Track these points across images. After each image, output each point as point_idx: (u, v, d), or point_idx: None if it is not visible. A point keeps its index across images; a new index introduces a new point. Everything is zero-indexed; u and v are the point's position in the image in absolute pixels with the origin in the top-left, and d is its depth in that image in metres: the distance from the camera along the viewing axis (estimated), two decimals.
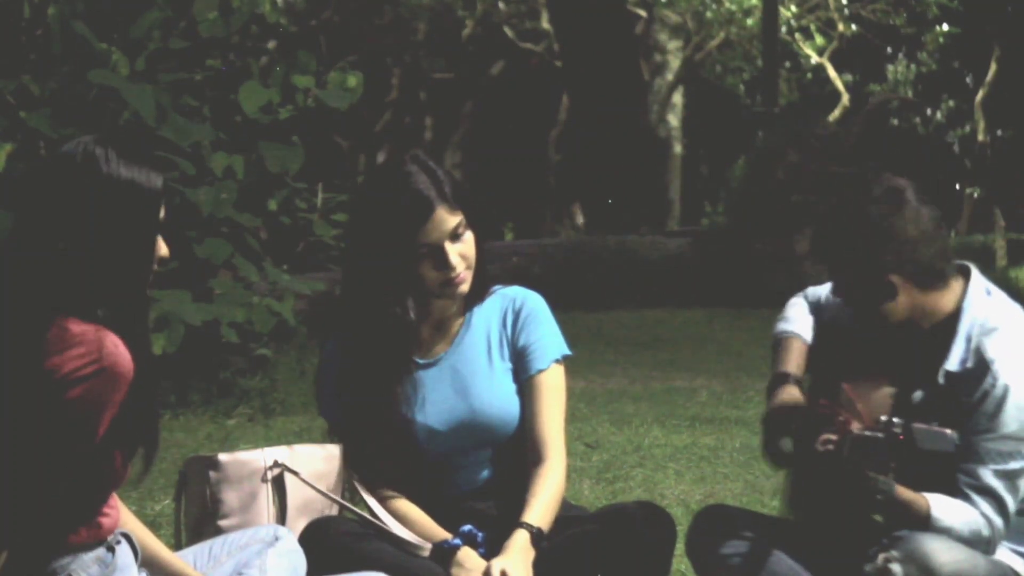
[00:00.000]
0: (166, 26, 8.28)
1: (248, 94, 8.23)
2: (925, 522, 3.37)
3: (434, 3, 22.71)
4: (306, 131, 8.62)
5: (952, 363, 3.46)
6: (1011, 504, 3.41)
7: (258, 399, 8.20)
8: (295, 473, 3.54)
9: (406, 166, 3.54)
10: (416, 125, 24.80)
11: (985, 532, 3.40)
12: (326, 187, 10.01)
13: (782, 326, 3.71)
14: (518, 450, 3.66)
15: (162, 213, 2.94)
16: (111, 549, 2.99)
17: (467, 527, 3.53)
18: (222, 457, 3.50)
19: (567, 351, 3.69)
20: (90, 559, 2.96)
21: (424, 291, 3.55)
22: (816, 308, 3.74)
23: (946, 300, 3.50)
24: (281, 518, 3.53)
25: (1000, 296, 3.55)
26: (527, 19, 22.74)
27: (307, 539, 3.37)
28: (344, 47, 21.88)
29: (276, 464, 3.53)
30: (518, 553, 3.46)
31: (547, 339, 3.66)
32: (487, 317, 3.68)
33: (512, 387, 3.65)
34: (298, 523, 3.51)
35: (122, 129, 7.92)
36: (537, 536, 3.50)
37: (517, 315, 3.68)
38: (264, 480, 3.51)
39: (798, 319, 3.71)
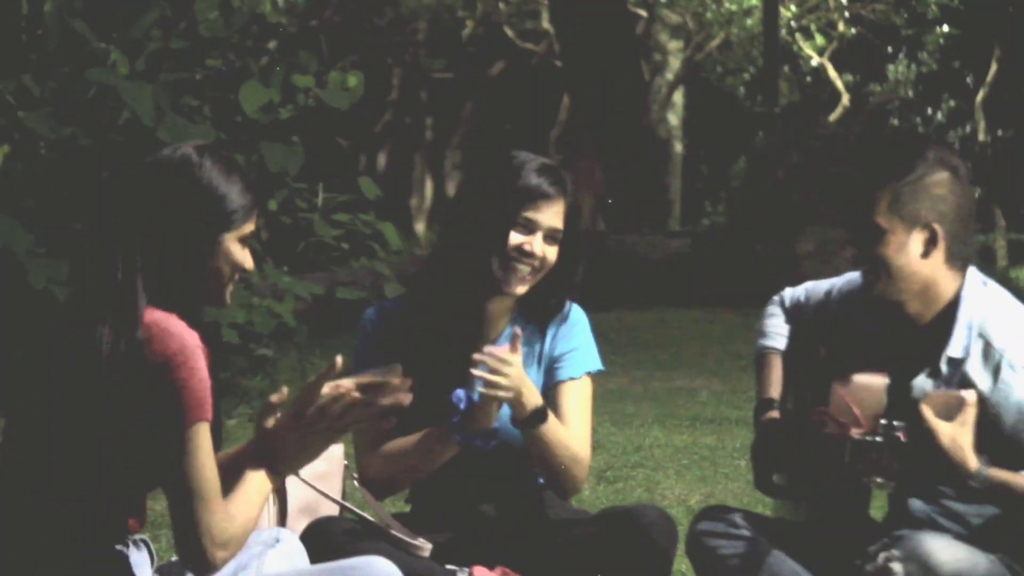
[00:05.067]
0: (166, 26, 8.27)
1: (248, 94, 8.21)
2: None
3: (434, 3, 22.70)
4: (306, 131, 8.61)
5: (955, 350, 3.45)
6: None
7: (258, 399, 8.19)
8: (295, 473, 3.53)
9: (552, 161, 3.69)
10: (416, 125, 24.79)
11: None
12: (326, 187, 10.00)
13: (762, 342, 3.73)
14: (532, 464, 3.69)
15: (249, 229, 3.01)
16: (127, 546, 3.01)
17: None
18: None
19: (600, 367, 3.75)
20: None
21: (499, 266, 3.58)
22: (796, 309, 3.74)
23: (950, 289, 3.50)
24: (282, 519, 3.52)
25: (995, 287, 3.55)
26: (527, 19, 22.72)
27: (307, 539, 3.37)
28: (344, 47, 21.86)
29: None
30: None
31: (583, 351, 3.73)
32: (530, 331, 3.72)
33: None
34: (299, 524, 3.51)
35: (122, 129, 7.91)
36: (541, 409, 3.54)
37: (559, 328, 3.73)
38: None
39: (777, 332, 3.72)
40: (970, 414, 3.35)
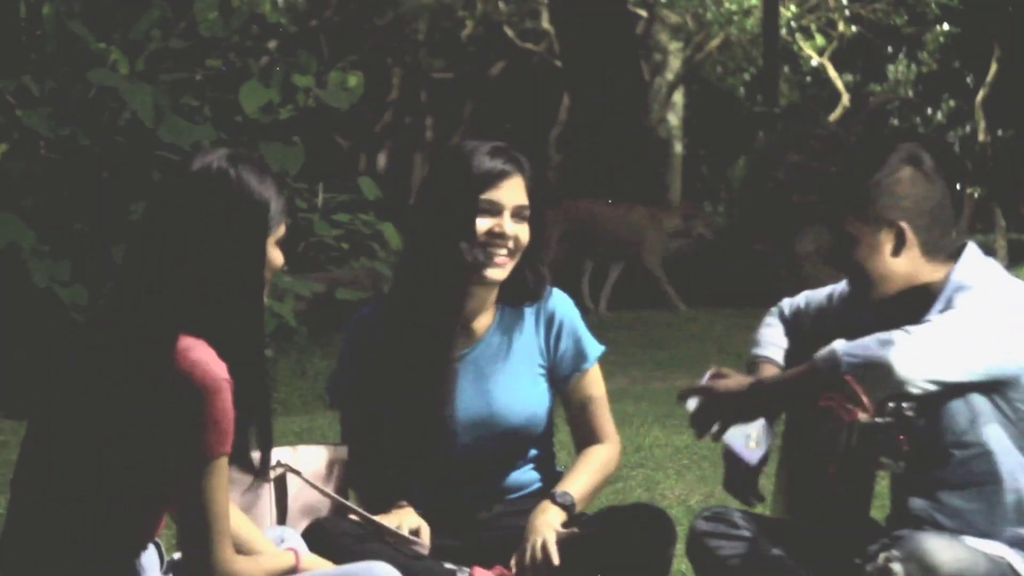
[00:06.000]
0: (166, 26, 8.28)
1: (248, 94, 8.22)
2: (822, 366, 3.34)
3: (434, 3, 22.71)
4: (306, 131, 8.62)
5: (935, 311, 3.45)
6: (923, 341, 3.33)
7: None
8: (297, 473, 3.53)
9: (504, 143, 3.67)
10: (416, 125, 24.79)
11: (895, 340, 3.33)
12: (326, 187, 10.01)
13: (755, 350, 3.76)
14: (536, 464, 3.69)
15: (283, 230, 3.02)
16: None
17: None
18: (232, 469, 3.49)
19: (602, 347, 3.79)
20: None
21: (471, 254, 3.57)
22: (796, 317, 3.76)
23: (938, 278, 3.50)
24: (281, 519, 3.52)
25: (993, 265, 3.54)
26: (527, 19, 22.74)
27: (307, 540, 3.38)
28: (344, 47, 21.88)
29: (279, 464, 3.53)
30: (542, 522, 3.55)
31: (587, 339, 3.76)
32: (517, 318, 3.72)
33: (537, 389, 3.69)
34: (300, 524, 3.51)
35: (122, 130, 7.91)
36: (560, 500, 3.59)
37: (551, 319, 3.73)
38: (267, 480, 3.50)
39: (771, 342, 3.74)
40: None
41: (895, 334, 3.33)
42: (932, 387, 3.32)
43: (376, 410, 3.67)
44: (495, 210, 3.58)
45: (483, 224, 3.57)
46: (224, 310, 2.92)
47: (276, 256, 3.01)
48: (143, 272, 2.93)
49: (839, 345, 3.35)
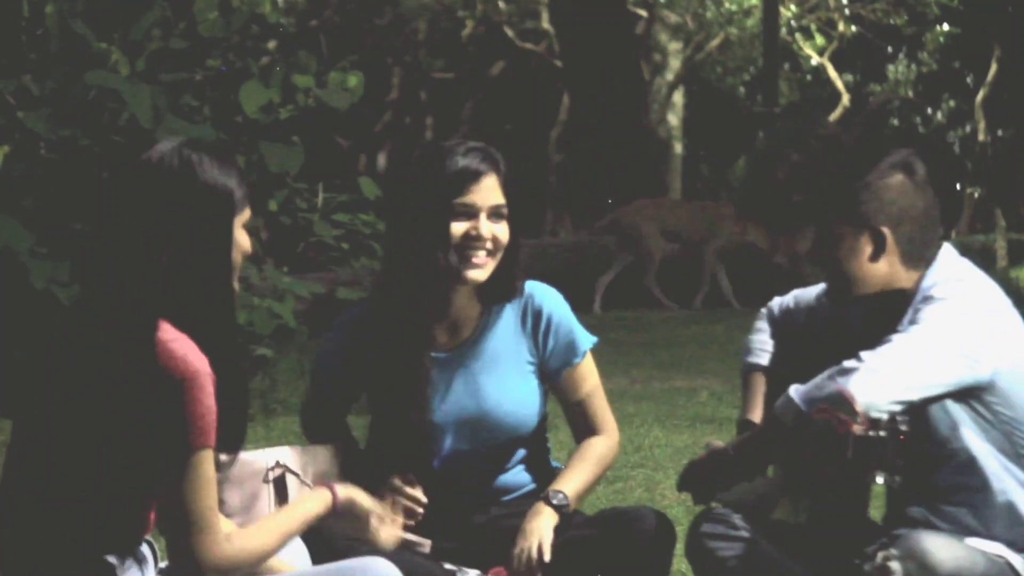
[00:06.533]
0: (166, 26, 8.27)
1: (248, 94, 8.21)
2: (783, 418, 3.36)
3: (434, 3, 22.71)
4: (306, 131, 8.61)
5: (899, 330, 3.45)
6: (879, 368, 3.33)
7: (259, 399, 8.20)
8: (296, 474, 3.54)
9: (479, 142, 3.61)
10: (416, 125, 24.80)
11: (849, 370, 3.33)
12: (326, 187, 9.99)
13: (748, 359, 3.78)
14: (531, 463, 3.69)
15: (248, 213, 3.01)
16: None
17: None
18: (225, 457, 3.50)
19: (594, 339, 3.74)
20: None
21: (445, 260, 3.53)
22: (785, 316, 3.77)
23: (912, 284, 3.50)
24: None
25: (965, 268, 3.53)
26: (527, 19, 22.75)
27: (307, 539, 3.37)
28: (344, 47, 21.87)
29: (278, 465, 3.53)
30: (536, 526, 3.54)
31: (577, 331, 3.71)
32: (503, 316, 3.68)
33: (527, 387, 3.66)
34: None
35: (123, 131, 7.90)
36: (554, 501, 3.57)
37: (538, 315, 3.68)
38: (266, 481, 3.51)
39: (762, 349, 3.76)
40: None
41: (849, 364, 3.32)
42: (897, 408, 3.31)
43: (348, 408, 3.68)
44: (471, 212, 3.52)
45: (459, 227, 3.52)
46: (196, 296, 2.92)
47: (243, 239, 3.01)
48: (115, 264, 2.94)
49: (794, 392, 3.35)
